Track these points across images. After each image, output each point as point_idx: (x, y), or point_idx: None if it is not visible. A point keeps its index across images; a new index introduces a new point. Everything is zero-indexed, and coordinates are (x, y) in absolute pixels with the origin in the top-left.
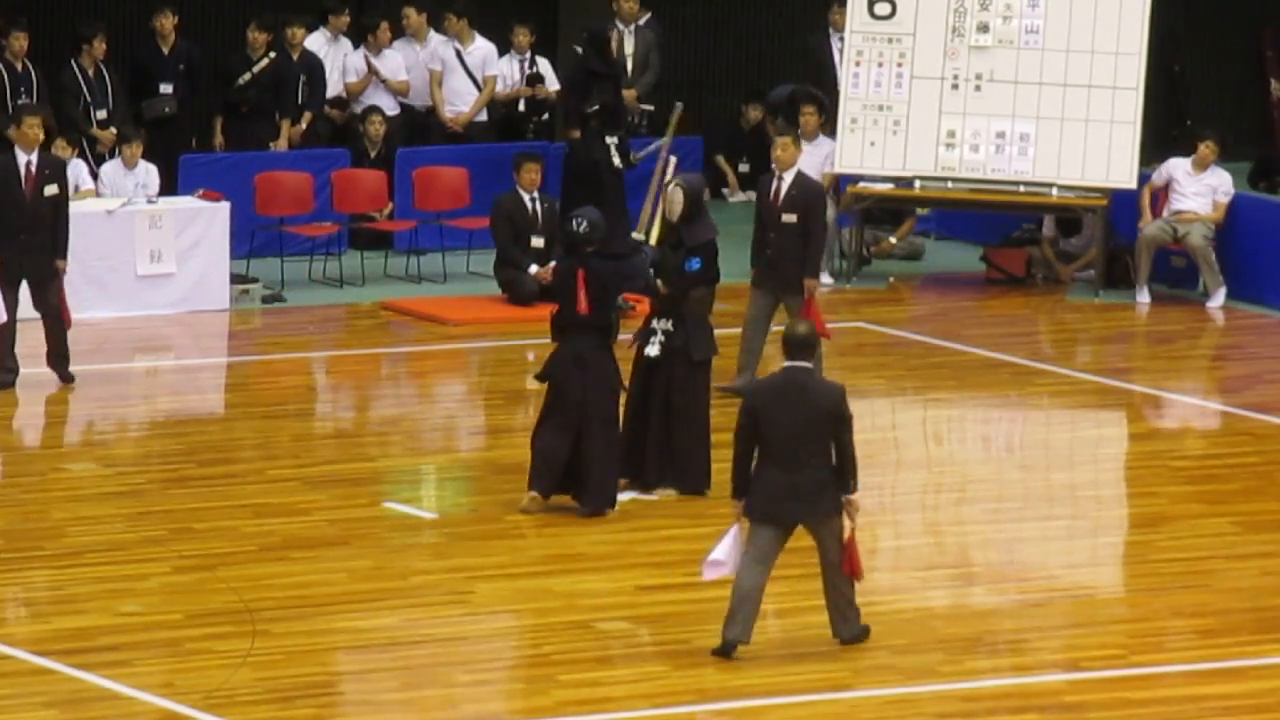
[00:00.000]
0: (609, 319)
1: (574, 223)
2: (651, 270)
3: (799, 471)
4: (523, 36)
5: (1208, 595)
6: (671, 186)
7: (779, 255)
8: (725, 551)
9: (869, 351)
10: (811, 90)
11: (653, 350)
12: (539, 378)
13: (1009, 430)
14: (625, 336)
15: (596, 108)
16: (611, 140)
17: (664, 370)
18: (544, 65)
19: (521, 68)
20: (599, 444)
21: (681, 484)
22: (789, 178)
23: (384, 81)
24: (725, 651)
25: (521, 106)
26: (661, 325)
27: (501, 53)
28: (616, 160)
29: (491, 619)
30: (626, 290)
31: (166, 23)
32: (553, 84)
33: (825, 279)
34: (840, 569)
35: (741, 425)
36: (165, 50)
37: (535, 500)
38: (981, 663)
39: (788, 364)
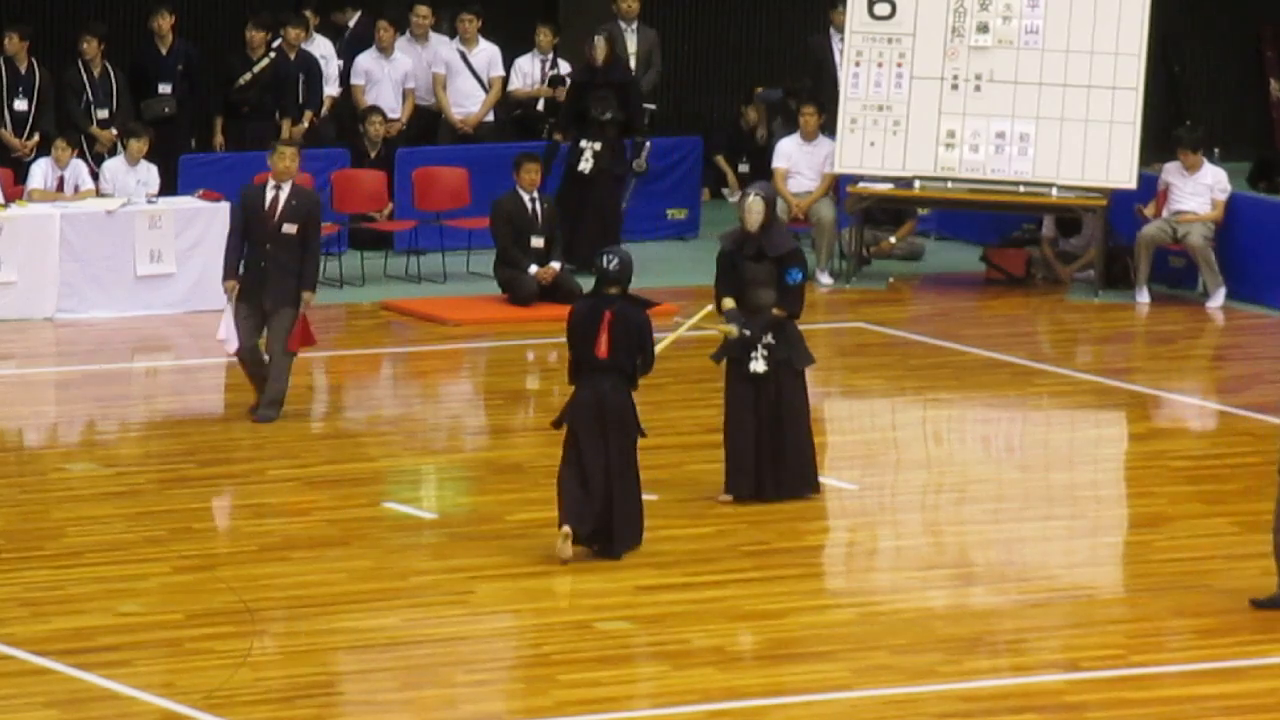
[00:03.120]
0: (633, 364)
1: (605, 259)
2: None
3: None
4: (545, 36)
5: (1207, 595)
6: (751, 197)
7: (272, 267)
8: None
9: (869, 352)
10: (804, 87)
11: (759, 366)
12: (555, 424)
13: (1009, 430)
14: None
15: (608, 115)
16: (590, 146)
17: (771, 384)
18: (565, 67)
19: (542, 67)
20: (620, 492)
21: (794, 492)
22: (286, 188)
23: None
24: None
25: (540, 106)
26: (764, 339)
27: (523, 51)
28: (584, 166)
29: (491, 619)
30: (646, 344)
31: (164, 23)
32: None
33: (825, 279)
34: None
35: None
36: (163, 51)
37: (569, 537)
38: (981, 663)
39: None
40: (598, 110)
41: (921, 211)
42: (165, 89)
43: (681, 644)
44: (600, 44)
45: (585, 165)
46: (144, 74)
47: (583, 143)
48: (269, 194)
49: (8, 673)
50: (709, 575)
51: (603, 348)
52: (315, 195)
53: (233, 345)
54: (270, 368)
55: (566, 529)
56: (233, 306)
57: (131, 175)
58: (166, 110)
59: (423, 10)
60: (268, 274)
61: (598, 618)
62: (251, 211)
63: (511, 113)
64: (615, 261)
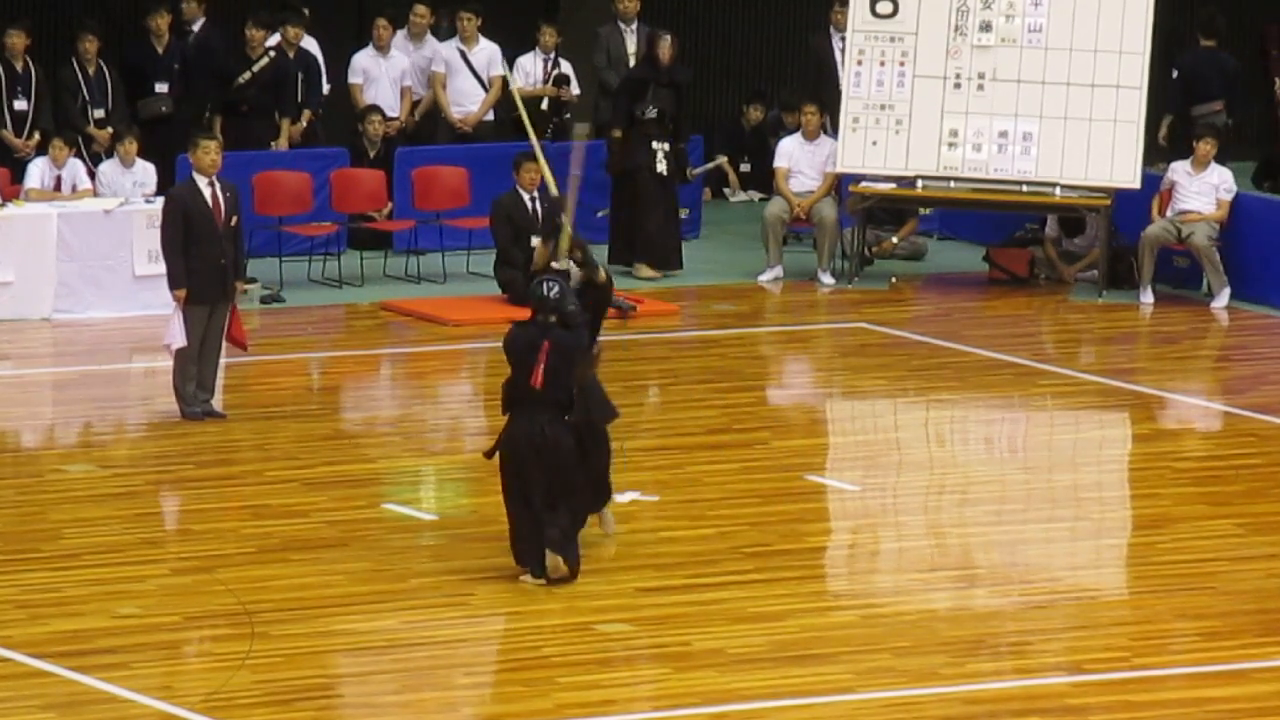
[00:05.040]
0: (569, 394)
1: (545, 287)
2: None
3: None
4: (549, 36)
5: (1212, 597)
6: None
7: (228, 263)
8: None
9: (871, 352)
10: (797, 100)
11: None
12: (488, 455)
13: (1012, 431)
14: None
15: (655, 113)
16: (661, 147)
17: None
18: (567, 67)
19: (545, 66)
20: (564, 517)
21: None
22: (217, 183)
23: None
24: None
25: (544, 105)
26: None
27: (522, 50)
28: (661, 167)
29: (491, 621)
30: (582, 363)
31: (160, 22)
32: (575, 87)
33: (827, 279)
34: None
35: None
36: (159, 49)
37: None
38: (984, 665)
39: None
40: (654, 108)
41: (924, 211)
42: (162, 88)
43: (682, 646)
44: (668, 43)
45: (662, 166)
46: (140, 73)
47: (654, 144)
48: (206, 191)
49: (5, 675)
50: (710, 577)
51: (538, 378)
52: (233, 183)
53: (180, 345)
54: (208, 360)
55: (529, 575)
56: (182, 311)
57: (128, 176)
58: (164, 109)
59: (421, 9)
60: (225, 271)
61: (598, 620)
62: (198, 213)
63: (512, 112)
64: (555, 289)
